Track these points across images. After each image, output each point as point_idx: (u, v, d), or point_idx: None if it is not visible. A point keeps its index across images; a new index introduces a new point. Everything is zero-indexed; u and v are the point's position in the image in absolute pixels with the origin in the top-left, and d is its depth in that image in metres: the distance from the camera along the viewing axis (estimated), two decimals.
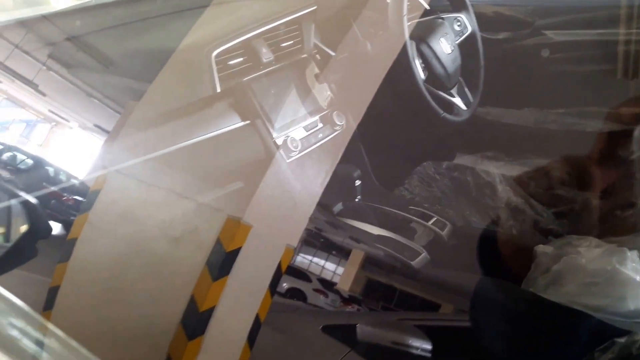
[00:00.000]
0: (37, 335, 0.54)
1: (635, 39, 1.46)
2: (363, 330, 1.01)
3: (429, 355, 0.93)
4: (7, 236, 0.83)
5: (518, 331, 0.82)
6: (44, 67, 1.88)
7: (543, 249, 0.79)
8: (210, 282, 0.95)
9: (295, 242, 1.10)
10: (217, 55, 1.07)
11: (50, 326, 0.57)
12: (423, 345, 0.93)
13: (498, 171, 1.36)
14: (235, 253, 0.97)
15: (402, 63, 1.21)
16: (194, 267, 0.96)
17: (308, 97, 1.18)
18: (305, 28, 1.26)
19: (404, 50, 1.20)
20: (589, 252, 0.74)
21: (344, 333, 1.06)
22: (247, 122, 1.08)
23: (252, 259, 1.01)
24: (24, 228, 0.75)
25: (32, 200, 0.77)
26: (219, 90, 1.06)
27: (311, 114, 1.17)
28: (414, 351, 0.93)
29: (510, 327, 0.84)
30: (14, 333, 0.53)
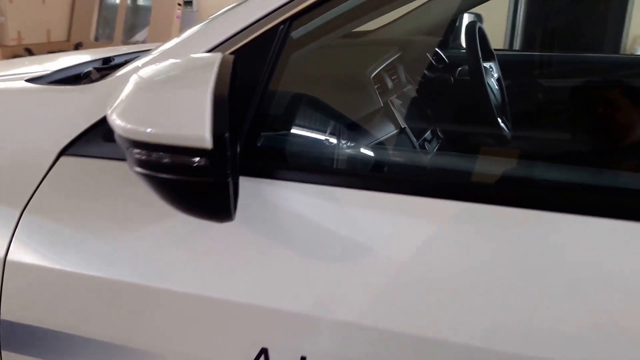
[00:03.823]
0: None
1: None
2: None
3: None
4: None
5: None
6: None
7: None
8: None
9: None
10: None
11: None
12: None
13: None
14: None
15: (480, 95, 1.61)
16: None
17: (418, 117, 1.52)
18: (398, 67, 1.62)
19: (482, 86, 1.60)
20: None
21: None
22: (398, 130, 1.38)
23: None
24: None
25: None
26: (381, 104, 1.36)
27: (423, 129, 1.52)
28: None
29: None
30: None
